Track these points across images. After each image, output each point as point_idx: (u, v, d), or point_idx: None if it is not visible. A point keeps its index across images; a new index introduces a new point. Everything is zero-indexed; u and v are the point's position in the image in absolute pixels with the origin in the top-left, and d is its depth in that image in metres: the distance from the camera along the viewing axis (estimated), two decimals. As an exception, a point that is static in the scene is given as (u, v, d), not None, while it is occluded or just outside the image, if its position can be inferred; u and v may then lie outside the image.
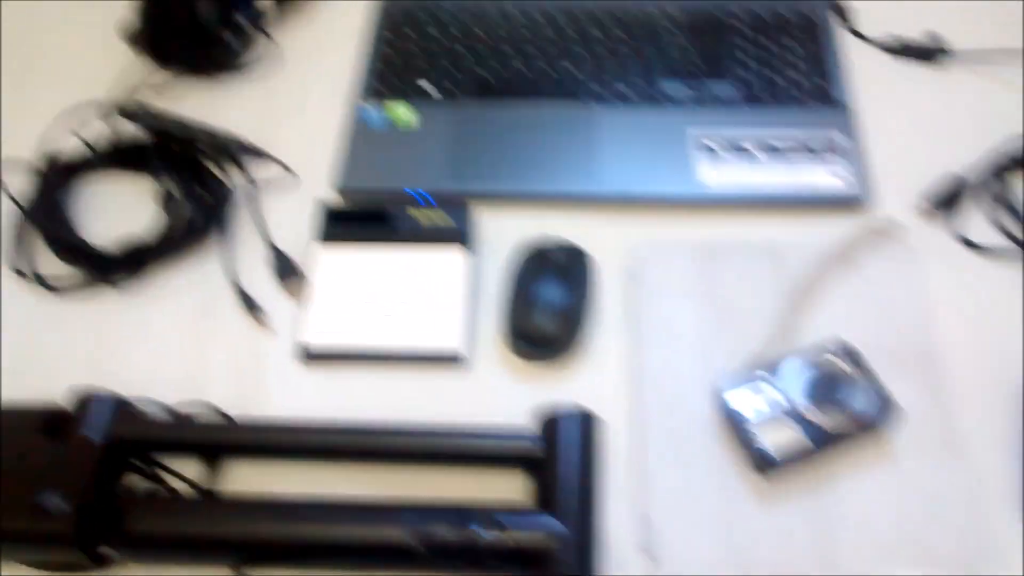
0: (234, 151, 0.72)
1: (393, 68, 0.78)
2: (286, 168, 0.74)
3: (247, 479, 0.59)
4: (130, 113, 0.73)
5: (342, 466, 0.59)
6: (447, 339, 0.63)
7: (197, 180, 0.72)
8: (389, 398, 0.62)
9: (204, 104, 0.77)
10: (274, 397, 0.63)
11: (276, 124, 0.77)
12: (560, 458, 0.55)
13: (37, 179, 0.72)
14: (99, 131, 0.74)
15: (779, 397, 0.57)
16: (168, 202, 0.70)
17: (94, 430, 0.56)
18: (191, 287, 0.68)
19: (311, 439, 0.57)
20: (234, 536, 0.54)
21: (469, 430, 0.58)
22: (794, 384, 0.58)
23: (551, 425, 0.56)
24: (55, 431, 0.56)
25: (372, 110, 0.75)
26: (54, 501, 0.53)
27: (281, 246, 0.69)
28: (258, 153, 0.74)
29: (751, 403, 0.57)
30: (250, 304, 0.66)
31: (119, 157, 0.74)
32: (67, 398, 0.58)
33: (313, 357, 0.64)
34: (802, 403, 0.57)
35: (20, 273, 0.69)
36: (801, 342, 0.61)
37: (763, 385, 0.58)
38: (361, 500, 0.55)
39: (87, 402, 0.57)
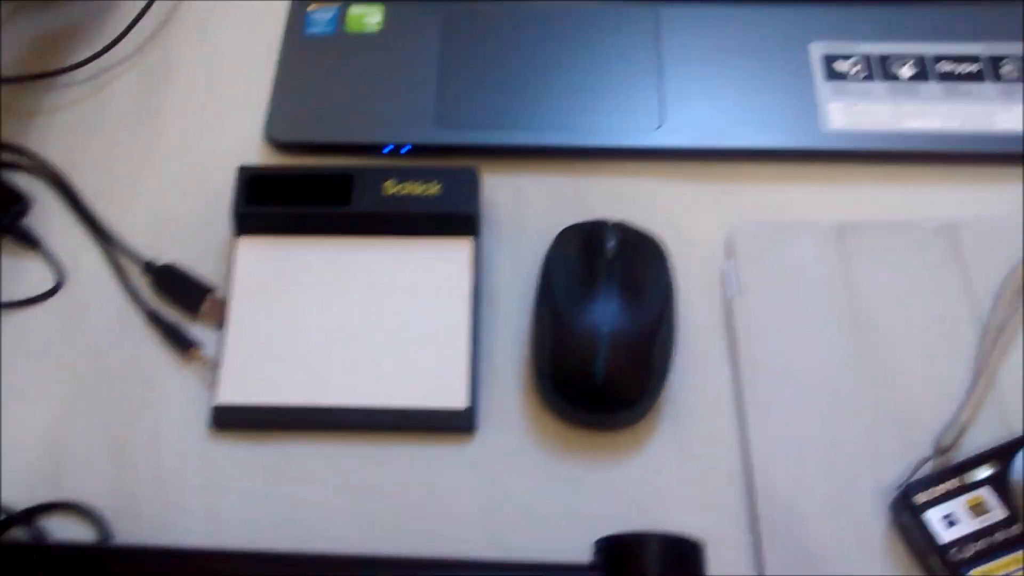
0: None
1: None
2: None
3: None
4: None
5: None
6: (447, 392, 0.40)
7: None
8: (349, 488, 0.39)
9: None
10: (169, 489, 0.39)
11: (180, 38, 0.51)
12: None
13: None
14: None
15: (1000, 512, 0.35)
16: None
17: None
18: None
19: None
20: None
21: (488, 564, 0.35)
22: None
23: (622, 557, 0.34)
24: None
25: (320, 13, 0.50)
26: None
27: (174, 246, 0.45)
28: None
29: (953, 518, 0.35)
30: (173, 334, 0.42)
31: None
32: None
33: (230, 423, 0.40)
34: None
35: None
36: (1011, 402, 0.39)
37: (978, 491, 0.35)
38: None
39: None
